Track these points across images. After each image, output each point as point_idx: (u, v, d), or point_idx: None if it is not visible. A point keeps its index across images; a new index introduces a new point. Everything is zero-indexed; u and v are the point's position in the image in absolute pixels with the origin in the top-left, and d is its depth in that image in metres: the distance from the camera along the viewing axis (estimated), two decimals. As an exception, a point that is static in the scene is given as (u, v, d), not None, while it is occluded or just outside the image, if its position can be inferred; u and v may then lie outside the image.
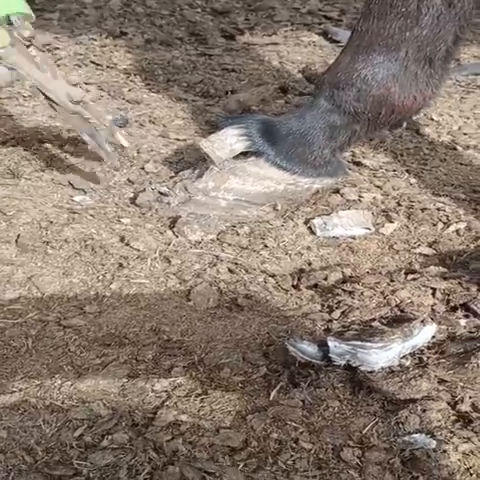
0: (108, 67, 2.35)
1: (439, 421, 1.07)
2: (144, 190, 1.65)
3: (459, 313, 1.32)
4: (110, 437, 1.04)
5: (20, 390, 1.11)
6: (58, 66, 2.29)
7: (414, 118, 1.74)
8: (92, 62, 2.39)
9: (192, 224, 1.55)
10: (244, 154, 1.69)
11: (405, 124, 1.75)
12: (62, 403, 1.09)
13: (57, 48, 2.46)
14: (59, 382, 1.13)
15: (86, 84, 2.18)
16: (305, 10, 3.03)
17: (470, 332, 1.27)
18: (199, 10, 2.98)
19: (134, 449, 1.02)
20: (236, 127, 1.67)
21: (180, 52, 2.55)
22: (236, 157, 1.68)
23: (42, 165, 1.76)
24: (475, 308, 1.31)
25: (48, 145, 1.84)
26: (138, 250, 1.47)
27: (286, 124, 1.70)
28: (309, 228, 1.61)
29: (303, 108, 1.74)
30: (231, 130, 1.66)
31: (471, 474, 1.00)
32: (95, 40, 2.54)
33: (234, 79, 2.35)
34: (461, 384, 1.14)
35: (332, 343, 1.14)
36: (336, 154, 1.73)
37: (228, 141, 1.65)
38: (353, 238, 1.58)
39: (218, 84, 2.29)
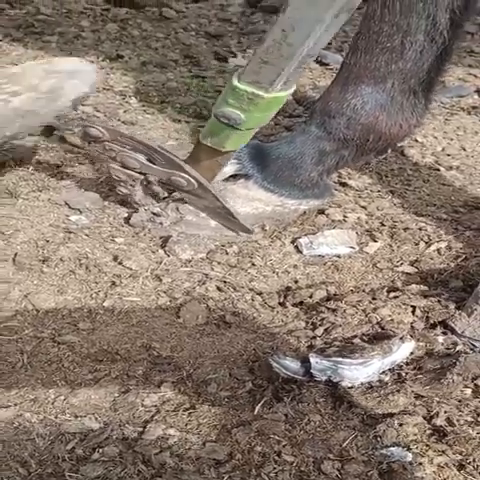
0: (104, 89, 2.41)
1: (415, 435, 1.12)
2: (137, 210, 1.70)
3: (438, 330, 1.37)
4: (101, 450, 1.08)
5: (15, 404, 1.15)
6: (55, 88, 2.35)
7: (399, 145, 1.80)
8: (88, 84, 2.45)
9: (182, 243, 1.61)
10: (234, 177, 1.74)
11: (390, 150, 1.82)
12: (55, 417, 1.14)
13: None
14: (53, 397, 1.18)
15: (83, 105, 2.24)
16: (296, 33, 3.10)
17: (447, 349, 1.33)
18: (193, 33, 3.04)
19: (124, 462, 1.06)
20: None
21: (174, 74, 2.61)
22: (226, 180, 1.73)
23: (39, 185, 1.81)
24: (453, 325, 1.36)
25: (45, 165, 1.90)
26: (130, 269, 1.52)
27: (276, 149, 1.76)
28: (296, 247, 1.66)
29: (294, 134, 1.80)
30: None
31: (445, 486, 1.04)
32: (92, 62, 2.60)
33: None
34: (437, 399, 1.18)
35: (314, 359, 1.19)
36: (323, 177, 1.79)
37: None
38: (338, 257, 1.63)
39: (211, 106, 2.34)
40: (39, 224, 1.65)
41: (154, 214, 1.68)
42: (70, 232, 1.63)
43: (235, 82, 1.40)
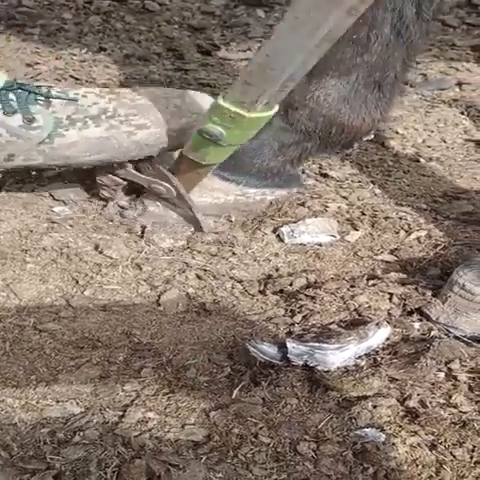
0: (87, 81, 2.42)
1: (389, 416, 1.15)
2: (107, 204, 1.72)
3: (414, 317, 1.40)
4: (82, 433, 1.10)
5: (-3, 390, 1.17)
6: (38, 80, 2.37)
7: (364, 139, 1.81)
8: (72, 76, 2.46)
9: (159, 232, 1.62)
10: None
11: (356, 145, 1.83)
12: (37, 402, 1.16)
13: (37, 63, 2.53)
14: (34, 383, 1.20)
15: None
16: (279, 26, 3.12)
17: (423, 334, 1.36)
18: (176, 26, 3.05)
19: (104, 444, 1.08)
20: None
21: (157, 67, 2.63)
22: None
23: (23, 176, 1.82)
24: (428, 312, 1.39)
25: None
26: (111, 258, 1.54)
27: None
28: (277, 236, 1.69)
29: None
30: None
31: (417, 465, 1.07)
32: (75, 55, 2.61)
33: (209, 93, 2.43)
34: (410, 382, 1.21)
35: (291, 344, 1.22)
36: (286, 167, 1.79)
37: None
38: (319, 245, 1.66)
39: (194, 98, 2.37)
40: (22, 215, 1.67)
41: (121, 207, 1.70)
42: (53, 222, 1.65)
43: (220, 101, 1.43)
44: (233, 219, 1.72)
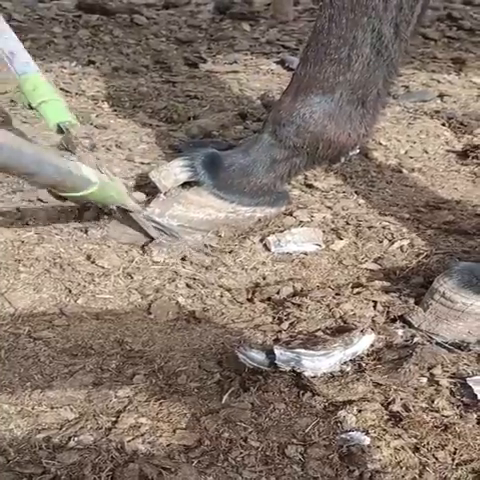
0: (77, 94, 2.46)
1: (373, 420, 1.18)
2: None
3: (397, 324, 1.44)
4: (76, 439, 1.13)
5: (-7, 397, 1.20)
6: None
7: (351, 154, 1.86)
8: (62, 89, 2.50)
9: (162, 247, 1.66)
10: (190, 184, 1.78)
11: (343, 159, 1.88)
12: (32, 409, 1.18)
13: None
14: (30, 389, 1.22)
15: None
16: (264, 40, 3.19)
17: (406, 341, 1.39)
18: (164, 39, 3.11)
19: (98, 449, 1.11)
20: (181, 159, 1.78)
21: (145, 79, 2.67)
22: (181, 186, 1.77)
23: (14, 187, 1.85)
24: (410, 319, 1.43)
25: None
26: (103, 267, 1.57)
27: (230, 157, 1.81)
28: (264, 245, 1.72)
29: (248, 143, 1.85)
30: (177, 162, 1.77)
31: (401, 467, 1.10)
32: (65, 68, 2.65)
33: (196, 105, 2.48)
34: (394, 387, 1.25)
35: (278, 351, 1.25)
36: (276, 185, 1.83)
37: (173, 171, 1.75)
38: (305, 254, 1.70)
39: (181, 110, 2.42)
40: (14, 225, 1.70)
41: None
42: (44, 233, 1.68)
43: None
44: (222, 234, 1.76)
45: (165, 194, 1.75)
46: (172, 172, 1.75)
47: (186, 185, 1.77)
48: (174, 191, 1.76)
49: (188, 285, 1.55)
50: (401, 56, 1.69)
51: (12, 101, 2.40)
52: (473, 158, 2.23)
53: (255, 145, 1.79)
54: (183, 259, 1.65)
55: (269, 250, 1.71)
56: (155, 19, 3.37)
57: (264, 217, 1.83)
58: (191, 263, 1.63)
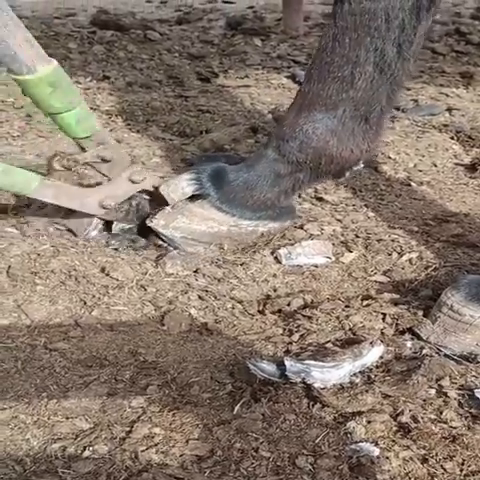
0: (92, 109, 2.49)
1: (382, 431, 1.20)
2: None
3: (406, 336, 1.46)
4: (91, 448, 1.15)
5: (10, 407, 1.23)
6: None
7: (354, 169, 1.88)
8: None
9: (176, 259, 1.70)
10: (197, 197, 1.81)
11: (347, 174, 1.88)
12: (48, 419, 1.21)
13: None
14: (45, 400, 1.25)
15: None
16: (275, 55, 3.22)
17: (414, 352, 1.42)
18: (177, 55, 3.15)
19: (113, 458, 1.13)
20: (189, 173, 1.81)
21: (159, 94, 2.71)
22: (190, 200, 1.80)
23: (29, 201, 1.89)
24: (418, 332, 1.45)
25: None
26: (117, 280, 1.61)
27: (236, 172, 1.83)
28: (275, 258, 1.75)
29: (253, 157, 1.88)
30: (185, 175, 1.81)
31: (410, 478, 1.12)
32: (80, 83, 2.69)
33: (208, 119, 2.52)
34: (403, 398, 1.27)
35: (288, 362, 1.28)
36: (280, 200, 1.85)
37: (180, 185, 1.79)
38: (315, 266, 1.72)
39: (193, 124, 2.45)
40: (31, 238, 1.74)
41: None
42: (60, 246, 1.72)
43: None
44: (225, 247, 1.79)
45: (172, 207, 1.78)
46: (180, 186, 1.79)
47: (193, 198, 1.80)
48: (180, 204, 1.79)
49: (200, 297, 1.58)
50: (405, 74, 1.71)
51: (28, 115, 2.45)
52: (481, 171, 2.25)
53: (259, 160, 1.82)
54: (196, 271, 1.68)
55: (280, 262, 1.73)
56: (168, 35, 3.42)
57: (267, 232, 1.85)
58: (204, 275, 1.66)
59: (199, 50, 3.23)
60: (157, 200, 1.80)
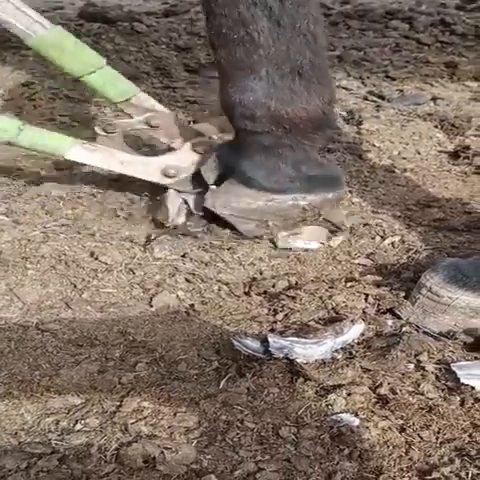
0: (80, 100, 2.54)
1: (362, 403, 1.24)
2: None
3: (387, 315, 1.50)
4: (83, 422, 1.19)
5: (5, 384, 1.27)
6: (34, 100, 2.48)
7: (335, 123, 1.82)
8: (65, 96, 2.58)
9: (164, 244, 1.74)
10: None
11: (329, 133, 1.80)
12: (41, 395, 1.25)
13: (32, 83, 2.65)
14: (38, 377, 1.29)
15: (60, 116, 2.36)
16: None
17: (395, 330, 1.46)
18: (164, 46, 3.18)
19: (104, 431, 1.18)
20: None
21: (147, 85, 2.74)
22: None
23: (20, 190, 1.93)
24: (399, 313, 1.49)
25: (26, 172, 2.03)
26: (106, 263, 1.65)
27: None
28: (271, 241, 1.78)
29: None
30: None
31: (388, 446, 1.16)
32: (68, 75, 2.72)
33: (196, 110, 2.56)
34: (382, 372, 1.31)
35: (272, 339, 1.32)
36: (301, 170, 1.77)
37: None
38: (306, 251, 1.75)
39: (181, 115, 2.49)
40: (21, 224, 1.78)
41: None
42: (50, 232, 1.76)
43: None
44: (270, 224, 1.79)
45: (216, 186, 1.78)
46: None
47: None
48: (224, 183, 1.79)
49: (187, 280, 1.63)
50: (310, 21, 1.60)
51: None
52: (464, 158, 2.29)
53: (241, 141, 1.79)
54: (183, 256, 1.72)
55: (271, 246, 1.76)
56: (155, 27, 3.44)
57: (309, 205, 1.78)
58: (191, 259, 1.71)
59: (186, 42, 3.25)
60: None
